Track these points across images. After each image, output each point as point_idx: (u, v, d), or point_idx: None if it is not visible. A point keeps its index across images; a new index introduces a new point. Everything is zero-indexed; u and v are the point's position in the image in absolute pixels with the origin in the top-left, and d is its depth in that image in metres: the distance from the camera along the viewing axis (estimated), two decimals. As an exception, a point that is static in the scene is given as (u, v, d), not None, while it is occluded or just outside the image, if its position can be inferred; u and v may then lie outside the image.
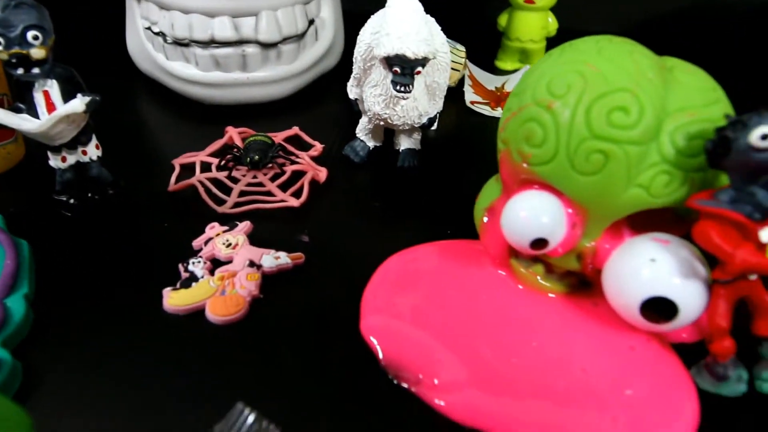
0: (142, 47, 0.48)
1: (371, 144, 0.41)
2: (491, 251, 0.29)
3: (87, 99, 0.30)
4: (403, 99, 0.35)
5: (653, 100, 0.23)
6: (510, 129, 0.27)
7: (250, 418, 0.19)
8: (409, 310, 0.28)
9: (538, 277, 0.28)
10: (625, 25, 0.67)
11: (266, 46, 0.45)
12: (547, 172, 0.25)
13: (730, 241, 0.22)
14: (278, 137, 0.43)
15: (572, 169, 0.24)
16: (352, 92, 0.39)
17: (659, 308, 0.24)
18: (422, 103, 0.37)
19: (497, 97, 0.52)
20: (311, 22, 0.48)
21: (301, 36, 0.47)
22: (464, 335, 0.27)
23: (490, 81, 0.55)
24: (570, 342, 0.26)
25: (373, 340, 0.26)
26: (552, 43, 0.57)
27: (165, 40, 0.46)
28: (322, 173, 0.38)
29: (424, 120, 0.38)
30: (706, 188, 0.24)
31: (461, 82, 0.53)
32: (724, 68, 0.59)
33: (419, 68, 0.33)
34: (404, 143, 0.41)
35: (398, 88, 0.34)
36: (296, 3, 0.46)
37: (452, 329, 0.27)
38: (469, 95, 0.51)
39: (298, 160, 0.39)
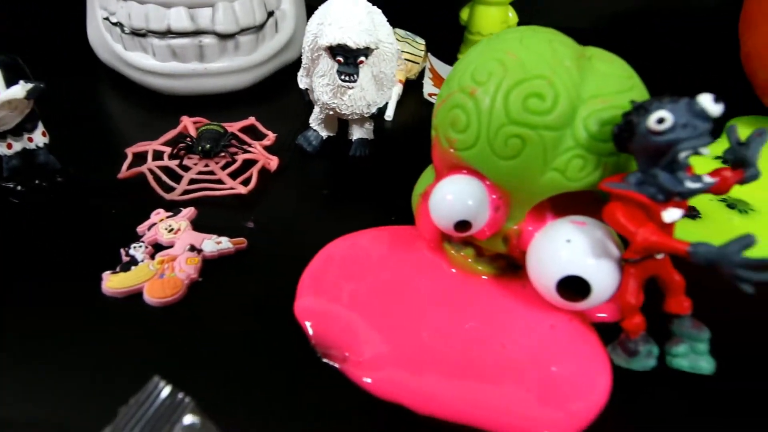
0: (102, 37, 0.49)
1: (324, 134, 0.42)
2: (425, 235, 0.30)
3: (29, 86, 0.30)
4: (349, 88, 0.35)
5: (568, 87, 0.24)
6: (439, 115, 0.28)
7: (165, 391, 0.19)
8: (345, 292, 0.29)
9: (469, 260, 0.29)
10: (584, 18, 0.68)
11: (223, 37, 0.45)
12: (470, 157, 0.26)
13: (635, 222, 0.23)
14: (234, 127, 0.43)
15: (493, 153, 0.25)
16: (302, 82, 0.39)
17: (575, 287, 0.25)
18: (370, 93, 0.37)
19: (456, 90, 0.53)
20: (271, 13, 0.49)
21: (259, 27, 0.48)
22: (395, 316, 0.27)
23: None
24: (494, 321, 0.27)
25: (305, 321, 0.27)
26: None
27: (123, 31, 0.46)
28: (273, 162, 0.39)
29: (373, 110, 0.39)
30: (619, 172, 0.25)
31: (421, 74, 0.53)
32: (678, 61, 0.60)
33: (362, 58, 0.34)
34: (356, 133, 0.41)
35: (343, 77, 0.34)
36: (254, -5, 0.46)
37: (384, 311, 0.28)
38: (428, 87, 0.52)
39: (250, 149, 0.40)
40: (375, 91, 0.38)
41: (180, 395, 0.20)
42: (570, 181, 0.25)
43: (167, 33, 0.44)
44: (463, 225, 0.26)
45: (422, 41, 0.53)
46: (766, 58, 0.44)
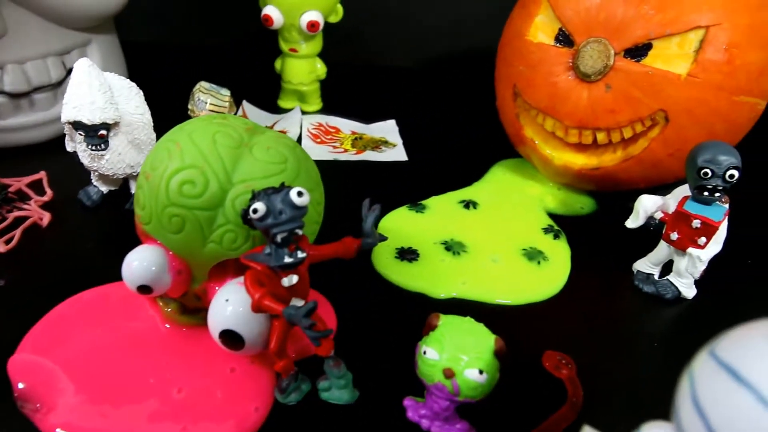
0: None
1: (105, 188, 0.45)
2: (142, 292, 0.34)
3: None
4: (99, 157, 0.39)
5: (218, 175, 0.29)
6: (135, 193, 0.32)
7: None
8: (62, 348, 0.32)
9: (176, 315, 0.34)
10: (408, 59, 0.76)
11: (15, 96, 0.48)
12: (150, 230, 0.31)
13: (257, 287, 0.28)
14: (23, 181, 0.46)
15: (163, 228, 0.30)
16: (68, 146, 0.43)
17: (235, 337, 0.30)
18: (129, 157, 0.41)
19: (262, 137, 0.58)
20: (71, 70, 0.52)
21: (57, 84, 0.51)
22: (98, 370, 0.31)
23: (263, 120, 0.61)
24: (180, 368, 0.32)
25: (15, 376, 0.31)
26: (324, 83, 0.64)
27: None
28: (45, 218, 0.42)
29: (138, 169, 0.43)
30: (264, 243, 0.30)
31: (230, 122, 0.58)
32: (476, 100, 0.68)
33: (103, 132, 0.38)
34: (134, 186, 0.45)
35: (92, 148, 0.38)
36: (49, 55, 0.49)
37: (91, 365, 0.32)
38: (233, 136, 0.56)
39: (24, 206, 0.43)
40: (135, 154, 0.42)
41: None
42: (227, 251, 0.30)
43: (-44, 92, 0.47)
44: (144, 288, 0.31)
45: (227, 92, 0.57)
46: (506, 114, 0.52)
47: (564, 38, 0.45)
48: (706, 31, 0.40)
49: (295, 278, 0.28)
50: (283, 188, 0.27)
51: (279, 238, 0.27)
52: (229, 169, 0.30)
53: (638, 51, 0.42)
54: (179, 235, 0.30)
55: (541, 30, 0.47)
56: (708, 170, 0.35)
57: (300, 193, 0.26)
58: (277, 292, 0.28)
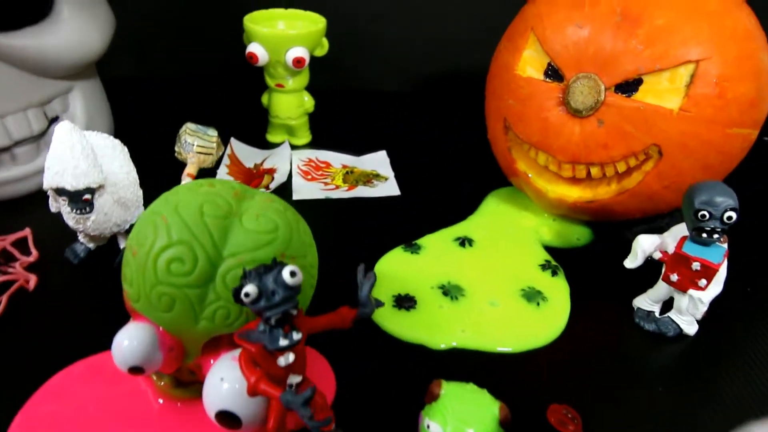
0: None
1: (92, 245, 0.44)
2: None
3: None
4: (85, 219, 0.38)
5: (207, 250, 0.28)
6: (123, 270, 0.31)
7: None
8: (53, 429, 0.31)
9: (170, 389, 0.33)
10: (391, 82, 0.76)
11: (-4, 151, 0.47)
12: (140, 308, 0.30)
13: (252, 369, 0.27)
14: (7, 240, 0.45)
15: (152, 307, 0.29)
16: (52, 207, 0.42)
17: (232, 416, 0.29)
18: (116, 216, 0.40)
19: (252, 175, 0.57)
20: (54, 119, 0.51)
21: (39, 136, 0.50)
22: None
23: (252, 156, 0.60)
24: (177, 446, 0.31)
25: (5, 464, 0.30)
26: (313, 113, 0.63)
27: None
28: (32, 281, 0.41)
29: (125, 227, 0.42)
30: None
31: (219, 162, 0.57)
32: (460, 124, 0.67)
33: (87, 195, 0.37)
34: (122, 242, 0.44)
35: (74, 211, 0.37)
36: (29, 107, 0.48)
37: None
38: (222, 176, 0.55)
39: (9, 269, 0.42)
40: (122, 212, 0.41)
41: None
42: (220, 327, 0.29)
43: (-66, 151, 0.45)
44: (136, 369, 0.30)
45: (214, 133, 0.56)
46: (498, 147, 0.51)
47: (553, 73, 0.45)
48: (696, 65, 0.40)
49: (291, 357, 0.27)
50: (276, 266, 0.26)
51: (273, 320, 0.26)
52: (219, 242, 0.29)
53: (629, 86, 0.42)
54: (170, 314, 0.29)
55: (529, 64, 0.46)
56: (705, 212, 0.35)
57: (293, 273, 0.26)
58: (273, 372, 0.27)
